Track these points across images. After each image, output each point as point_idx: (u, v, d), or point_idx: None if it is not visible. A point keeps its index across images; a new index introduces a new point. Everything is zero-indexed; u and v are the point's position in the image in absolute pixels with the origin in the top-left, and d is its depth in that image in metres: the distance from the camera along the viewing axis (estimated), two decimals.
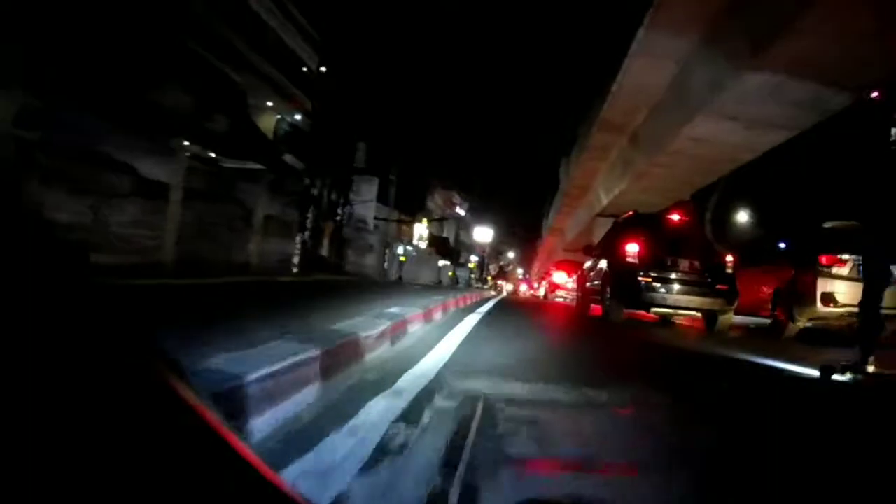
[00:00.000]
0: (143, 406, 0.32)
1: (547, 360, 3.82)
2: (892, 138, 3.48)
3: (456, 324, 5.37)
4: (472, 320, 6.10)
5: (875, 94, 4.39)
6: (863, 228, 4.60)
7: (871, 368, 3.46)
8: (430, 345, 3.73)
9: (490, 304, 11.38)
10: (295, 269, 11.75)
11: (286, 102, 13.76)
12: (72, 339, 0.31)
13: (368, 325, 3.19)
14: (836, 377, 3.44)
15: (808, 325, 6.55)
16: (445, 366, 2.97)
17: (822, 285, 6.16)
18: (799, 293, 6.57)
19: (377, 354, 3.08)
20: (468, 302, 9.97)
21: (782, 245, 9.88)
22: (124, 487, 0.29)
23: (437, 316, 5.79)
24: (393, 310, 4.47)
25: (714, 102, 10.44)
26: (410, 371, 2.70)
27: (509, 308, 11.15)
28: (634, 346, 5.49)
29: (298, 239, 11.93)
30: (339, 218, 16.38)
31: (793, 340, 6.46)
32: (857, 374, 3.42)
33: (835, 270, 6.19)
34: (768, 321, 7.52)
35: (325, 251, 15.36)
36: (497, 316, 7.80)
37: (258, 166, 11.12)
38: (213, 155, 9.82)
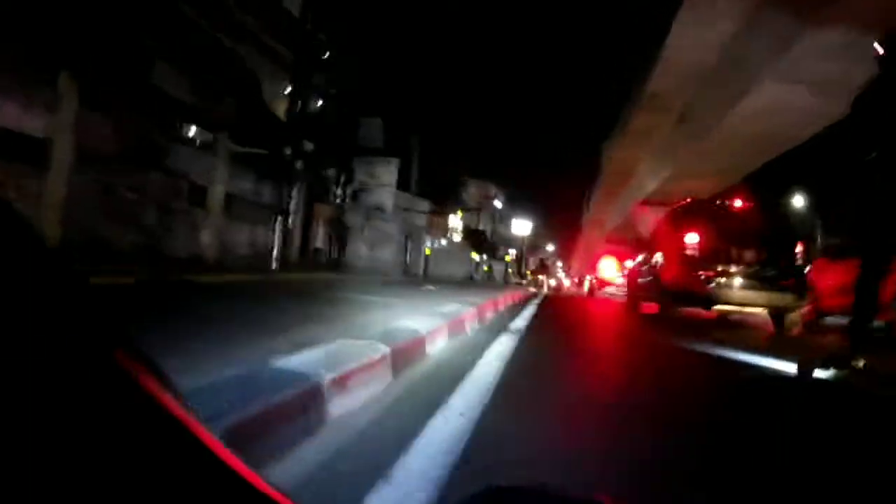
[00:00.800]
0: (111, 409, 0.27)
1: None
2: None
3: (457, 384, 2.49)
4: (494, 359, 3.20)
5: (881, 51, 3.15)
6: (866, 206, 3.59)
7: (860, 363, 2.86)
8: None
9: (529, 310, 8.33)
10: (274, 265, 9.12)
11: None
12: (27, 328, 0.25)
13: None
14: (817, 374, 2.93)
15: None
16: None
17: None
18: None
19: None
20: (500, 308, 7.08)
21: None
22: (85, 494, 0.25)
23: (431, 350, 3.01)
24: (295, 362, 1.75)
25: (776, 65, 9.39)
26: None
27: (556, 319, 8.14)
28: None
29: (278, 226, 9.22)
30: (338, 200, 13.50)
31: None
32: (841, 370, 2.87)
33: None
34: (883, 324, 5.96)
35: (319, 242, 12.59)
36: (541, 343, 4.90)
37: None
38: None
